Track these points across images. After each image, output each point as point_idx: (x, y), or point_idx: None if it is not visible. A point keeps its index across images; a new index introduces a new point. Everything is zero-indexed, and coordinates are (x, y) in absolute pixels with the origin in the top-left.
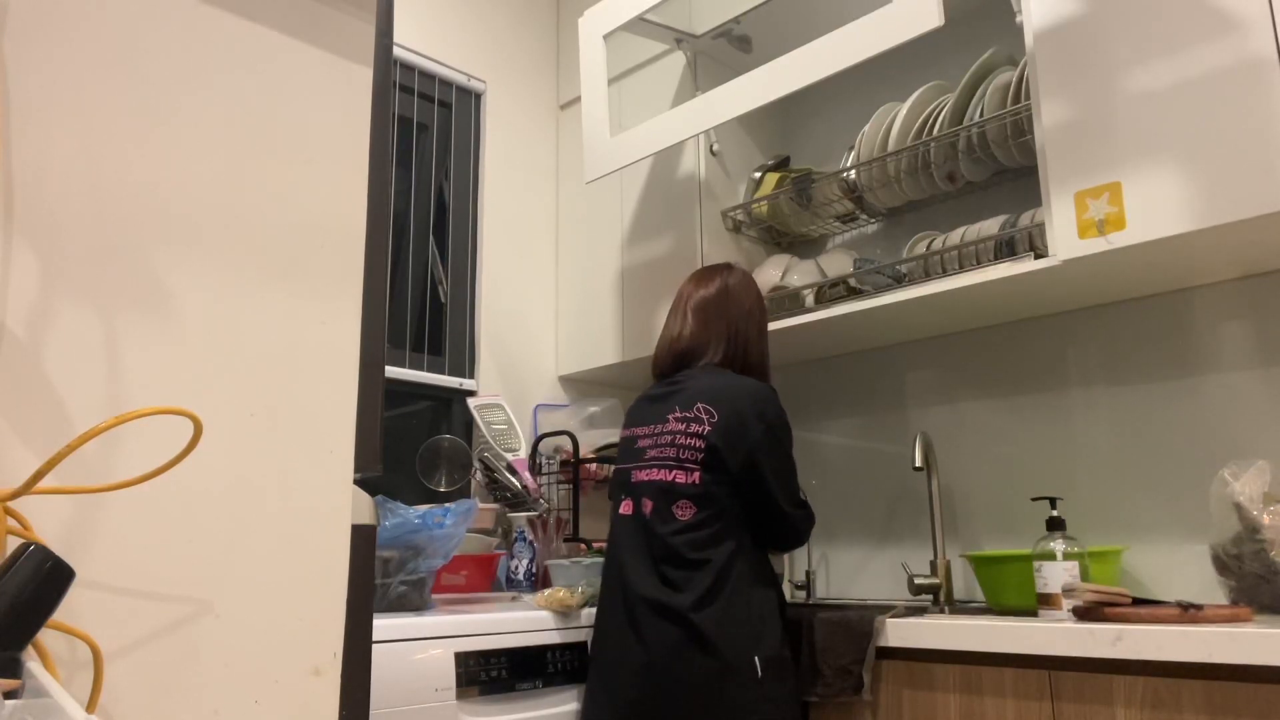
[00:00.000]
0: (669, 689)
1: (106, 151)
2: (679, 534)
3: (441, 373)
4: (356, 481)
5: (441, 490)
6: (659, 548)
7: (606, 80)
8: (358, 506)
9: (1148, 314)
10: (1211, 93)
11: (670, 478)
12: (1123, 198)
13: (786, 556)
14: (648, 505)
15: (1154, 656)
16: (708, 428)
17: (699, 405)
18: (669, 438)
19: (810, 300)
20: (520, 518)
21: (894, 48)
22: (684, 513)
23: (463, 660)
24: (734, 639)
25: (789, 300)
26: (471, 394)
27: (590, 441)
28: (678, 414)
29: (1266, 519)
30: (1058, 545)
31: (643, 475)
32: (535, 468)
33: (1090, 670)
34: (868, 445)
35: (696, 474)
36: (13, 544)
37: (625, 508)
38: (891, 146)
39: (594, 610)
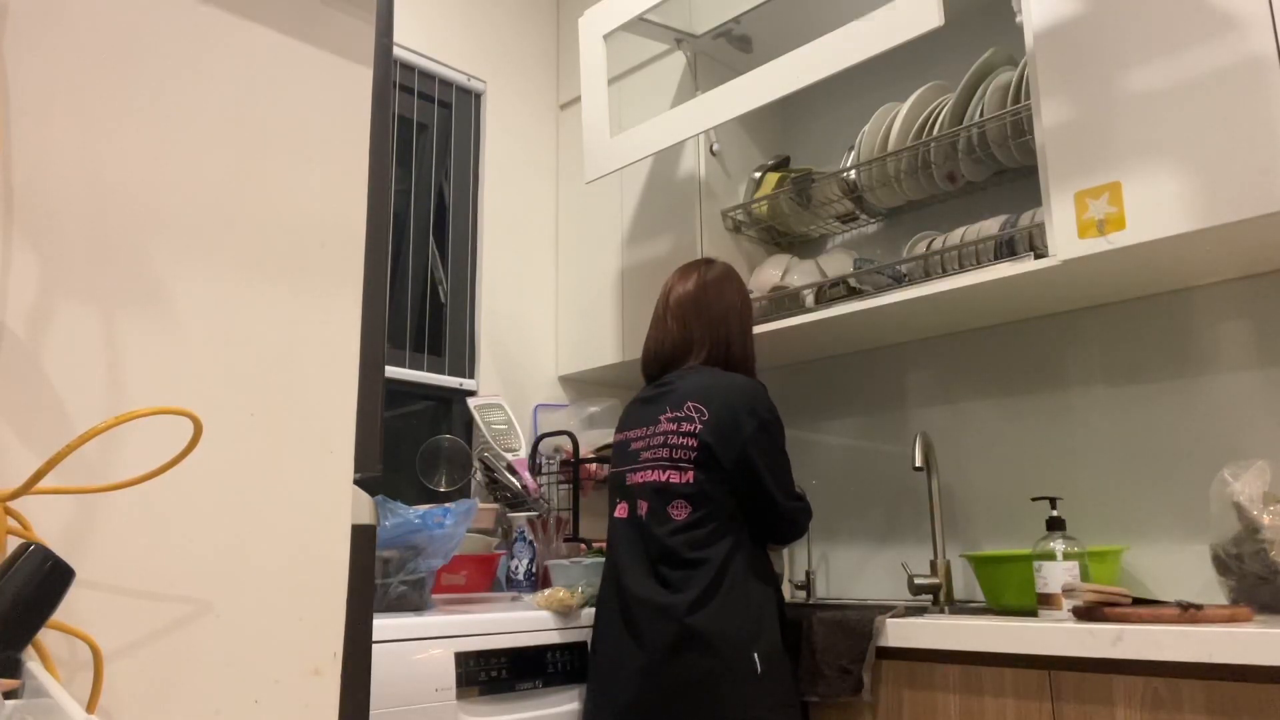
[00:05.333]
0: (668, 689)
1: (106, 151)
2: (676, 534)
3: (441, 373)
4: (356, 481)
5: (441, 490)
6: (656, 548)
7: (606, 80)
8: (358, 506)
9: (1148, 314)
10: (1211, 93)
11: (665, 478)
12: (1122, 198)
13: (786, 555)
14: (643, 507)
15: (1154, 656)
16: (699, 426)
17: (689, 404)
18: (661, 438)
19: (810, 300)
20: (520, 518)
21: (894, 48)
22: (680, 512)
23: (463, 660)
24: (732, 636)
25: (789, 300)
26: (471, 394)
27: (590, 441)
28: (669, 414)
29: (1266, 519)
30: (1058, 545)
31: (637, 477)
32: (535, 468)
33: (1090, 670)
34: (868, 445)
35: (691, 473)
36: (13, 544)
37: (620, 511)
38: (891, 146)
39: (594, 610)
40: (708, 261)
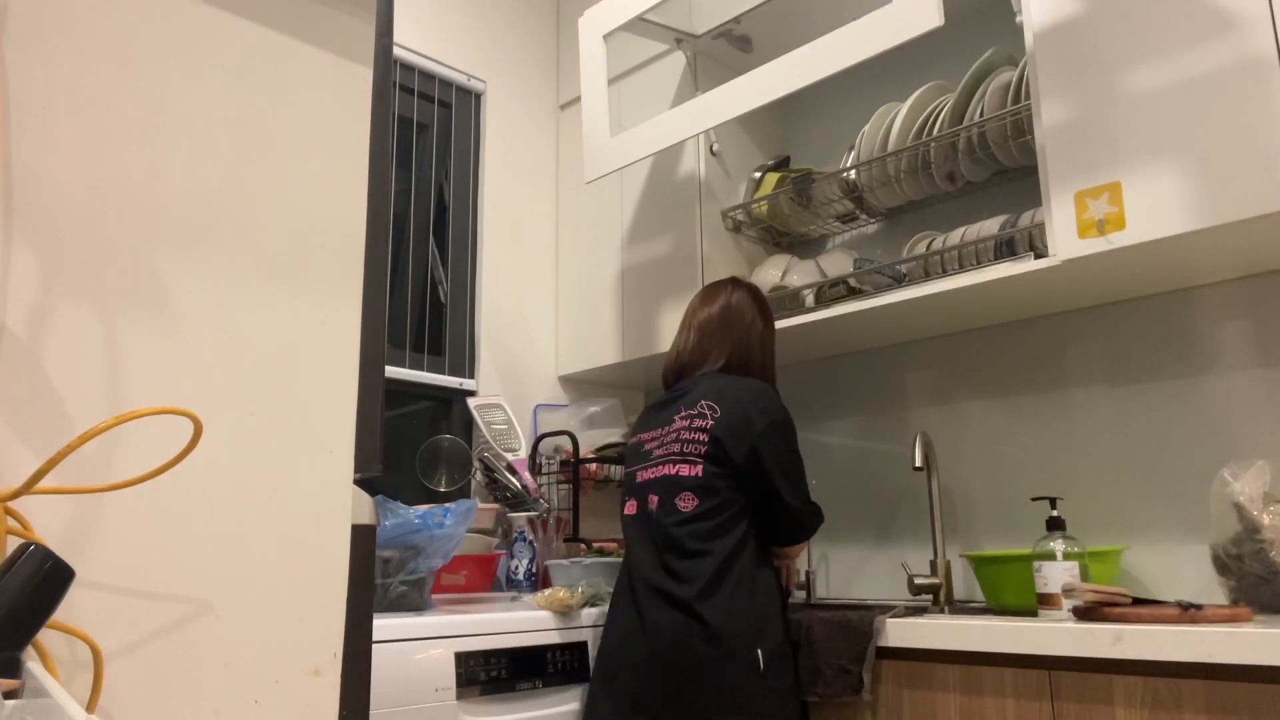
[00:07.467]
0: (672, 678)
1: (106, 151)
2: (682, 524)
3: (441, 373)
4: (356, 481)
5: (441, 490)
6: (663, 538)
7: (606, 80)
8: (358, 506)
9: (1148, 314)
10: (1211, 93)
11: (675, 471)
12: (1123, 198)
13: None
14: (653, 500)
15: (1154, 656)
16: (711, 421)
17: (703, 403)
18: (674, 434)
19: (810, 300)
20: (520, 518)
21: (894, 48)
22: (687, 504)
23: (463, 660)
24: (738, 631)
25: (789, 300)
26: (471, 394)
27: (590, 441)
28: (683, 413)
29: (1266, 519)
30: (1058, 545)
31: (648, 474)
32: (535, 468)
33: (1090, 670)
34: (868, 445)
35: (700, 466)
36: (13, 544)
37: (629, 508)
38: (891, 146)
39: (594, 610)
40: (734, 281)
